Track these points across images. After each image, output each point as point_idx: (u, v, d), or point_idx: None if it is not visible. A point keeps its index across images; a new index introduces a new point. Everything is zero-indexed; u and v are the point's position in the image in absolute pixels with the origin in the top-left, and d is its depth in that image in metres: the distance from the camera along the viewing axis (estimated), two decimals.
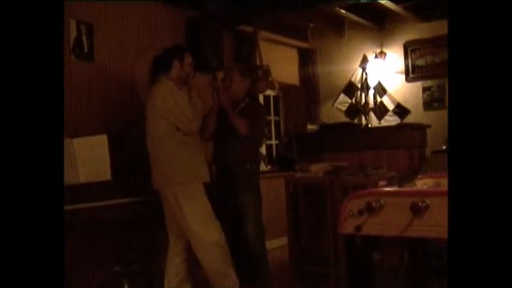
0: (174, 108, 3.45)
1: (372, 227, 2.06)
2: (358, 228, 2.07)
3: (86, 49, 4.23)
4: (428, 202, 1.95)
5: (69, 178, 3.36)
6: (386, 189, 2.33)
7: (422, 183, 2.70)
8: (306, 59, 7.21)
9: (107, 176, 3.65)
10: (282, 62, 6.82)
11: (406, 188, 2.38)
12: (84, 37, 4.21)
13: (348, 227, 2.11)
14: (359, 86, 6.87)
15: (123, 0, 4.50)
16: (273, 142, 7.19)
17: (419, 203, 1.94)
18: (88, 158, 3.60)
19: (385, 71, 6.91)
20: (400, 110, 6.61)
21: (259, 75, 5.68)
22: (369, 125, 6.61)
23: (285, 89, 7.13)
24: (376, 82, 6.85)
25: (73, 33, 4.13)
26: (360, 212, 2.06)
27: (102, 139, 3.70)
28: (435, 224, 1.94)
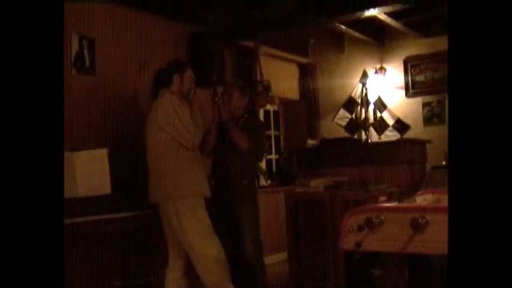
0: (176, 122, 3.45)
1: (372, 243, 2.06)
2: (358, 244, 2.07)
3: (87, 63, 4.25)
4: (429, 218, 1.95)
5: (68, 192, 3.35)
6: (387, 205, 2.33)
7: (423, 199, 2.70)
8: (306, 74, 7.24)
9: (107, 190, 3.64)
10: (282, 77, 6.85)
11: (406, 204, 2.37)
12: (85, 51, 4.24)
13: (348, 242, 2.11)
14: (359, 101, 6.88)
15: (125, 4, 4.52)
16: (273, 157, 7.19)
17: (420, 219, 1.94)
18: (88, 171, 3.59)
19: (385, 87, 6.94)
20: (400, 126, 6.62)
21: (259, 90, 5.70)
22: (369, 140, 6.61)
23: (285, 103, 7.15)
24: (376, 97, 6.87)
25: (75, 47, 4.16)
26: (360, 228, 2.06)
27: (102, 153, 3.71)
28: (435, 240, 1.93)
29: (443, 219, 1.93)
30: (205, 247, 3.45)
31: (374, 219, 2.02)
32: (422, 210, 2.02)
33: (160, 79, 3.63)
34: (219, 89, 4.02)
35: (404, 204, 2.35)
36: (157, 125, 3.47)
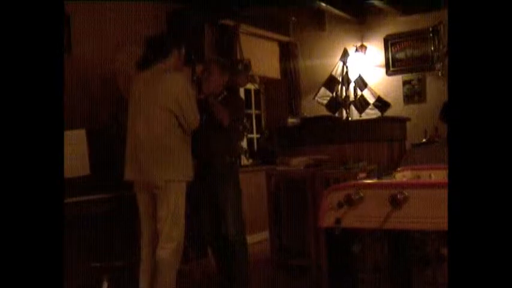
0: (186, 105, 3.32)
1: (352, 220, 2.06)
2: (338, 220, 2.07)
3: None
4: (407, 194, 1.96)
5: None
6: (366, 181, 2.34)
7: (402, 176, 2.72)
8: (287, 52, 7.20)
9: (86, 171, 3.60)
10: (263, 56, 6.81)
11: (385, 180, 2.38)
12: None
13: (328, 219, 2.11)
14: (340, 79, 6.88)
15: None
16: (254, 136, 7.18)
17: (398, 195, 1.94)
18: (67, 152, 3.54)
19: (365, 65, 6.94)
20: (381, 104, 6.63)
21: (239, 68, 5.66)
22: (350, 119, 6.63)
23: (266, 82, 7.12)
24: (357, 75, 6.87)
25: None
26: (340, 205, 2.06)
27: (81, 134, 3.66)
28: (414, 215, 1.94)
29: (422, 194, 1.95)
30: (179, 232, 3.42)
31: (353, 196, 2.02)
32: (401, 186, 2.02)
33: (156, 49, 3.45)
34: (198, 67, 3.97)
35: (383, 181, 2.36)
36: (161, 101, 3.31)
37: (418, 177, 2.80)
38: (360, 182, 2.36)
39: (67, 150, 3.54)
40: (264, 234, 5.38)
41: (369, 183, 2.21)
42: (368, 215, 2.03)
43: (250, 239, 4.63)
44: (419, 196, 1.94)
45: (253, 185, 5.67)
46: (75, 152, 3.62)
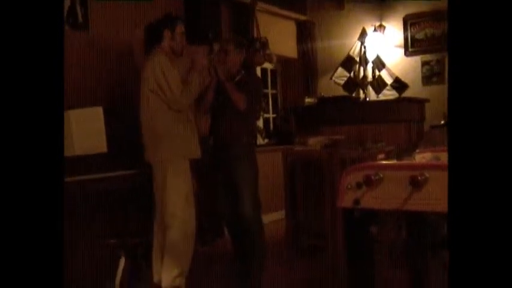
0: (162, 83, 3.40)
1: (370, 201, 2.04)
2: (357, 201, 2.05)
3: (80, 19, 4.14)
4: (428, 175, 1.93)
5: (64, 150, 3.32)
6: (385, 162, 2.31)
7: (421, 157, 2.68)
8: (304, 31, 7.13)
9: (103, 148, 3.61)
10: (280, 35, 6.74)
11: (405, 162, 2.35)
12: (78, 7, 4.13)
13: (346, 200, 2.09)
14: (357, 59, 6.80)
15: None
16: (270, 115, 7.15)
17: (419, 177, 1.91)
18: (83, 130, 3.56)
19: (384, 45, 6.85)
20: (399, 85, 6.56)
21: (256, 47, 5.60)
22: (367, 99, 6.57)
23: (283, 62, 7.06)
24: (375, 56, 6.79)
25: (67, 2, 4.05)
26: (359, 185, 2.04)
27: (98, 111, 3.66)
28: (434, 197, 1.92)
29: (443, 176, 1.91)
30: (182, 210, 3.45)
31: (373, 177, 2.00)
32: (422, 167, 1.99)
33: (150, 35, 3.56)
34: (215, 46, 3.94)
35: (403, 162, 2.33)
36: (147, 85, 3.44)
37: (438, 158, 2.76)
38: (379, 162, 2.33)
39: (84, 127, 3.55)
40: (280, 214, 5.39)
41: (389, 164, 2.18)
42: (387, 196, 2.01)
43: (266, 218, 4.64)
44: (440, 178, 1.91)
45: (269, 164, 5.65)
46: (92, 129, 3.62)
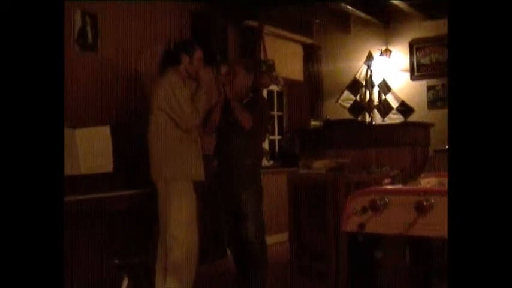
0: (173, 103, 3.43)
1: (376, 225, 2.04)
2: (362, 226, 2.05)
3: (90, 40, 4.20)
4: (433, 201, 1.93)
5: (70, 169, 3.34)
6: (391, 187, 2.31)
7: (426, 182, 2.68)
8: (310, 54, 7.18)
9: (109, 168, 3.62)
10: (286, 57, 6.79)
11: (410, 187, 2.35)
12: (88, 28, 4.19)
13: (351, 224, 2.09)
14: (363, 83, 6.82)
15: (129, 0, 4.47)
16: (276, 137, 7.17)
17: (424, 202, 1.92)
18: (90, 149, 3.58)
19: (390, 69, 6.88)
20: (404, 108, 6.57)
21: (263, 69, 5.65)
22: (373, 123, 6.58)
23: (289, 84, 7.10)
24: (381, 80, 6.82)
25: (77, 23, 4.11)
26: (364, 210, 2.04)
27: (105, 130, 3.68)
28: (439, 223, 1.91)
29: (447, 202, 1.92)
30: (184, 233, 3.45)
31: (378, 202, 2.00)
32: (427, 193, 2.00)
33: (168, 58, 3.60)
34: (223, 68, 3.97)
35: (409, 187, 2.33)
36: (157, 104, 3.47)
37: (443, 183, 2.76)
38: (385, 187, 2.33)
39: (90, 146, 3.58)
40: (283, 236, 5.36)
41: (394, 189, 2.18)
42: (392, 221, 2.01)
43: (269, 240, 4.62)
44: (445, 204, 1.90)
45: (273, 186, 5.65)
46: (99, 148, 3.64)
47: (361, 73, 6.88)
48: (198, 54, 3.62)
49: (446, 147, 5.54)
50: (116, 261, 3.44)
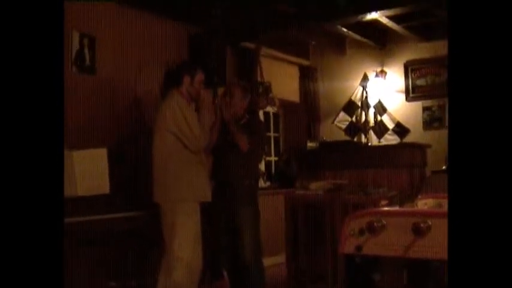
0: (182, 124, 3.44)
1: (373, 247, 2.04)
2: (359, 248, 2.05)
3: (88, 62, 4.23)
4: (430, 223, 1.93)
5: (67, 191, 3.32)
6: (388, 209, 2.32)
7: (424, 204, 2.69)
8: (306, 76, 7.22)
9: (106, 189, 3.62)
10: (283, 79, 6.83)
11: (408, 208, 2.36)
12: (86, 50, 4.22)
13: (348, 246, 2.09)
14: (359, 104, 6.86)
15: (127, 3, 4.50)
16: (272, 159, 7.18)
17: (422, 224, 1.92)
18: (87, 171, 3.57)
19: (385, 90, 6.92)
20: (400, 129, 6.60)
21: (260, 91, 5.68)
22: (369, 144, 6.60)
23: (285, 105, 7.13)
24: (377, 101, 6.86)
25: (75, 45, 4.14)
26: (361, 232, 2.04)
27: (102, 152, 3.69)
28: (437, 244, 1.92)
29: (445, 224, 1.91)
30: (188, 253, 3.44)
31: (376, 223, 2.01)
32: (424, 214, 2.01)
33: (170, 79, 3.62)
34: (220, 90, 4.00)
35: (406, 209, 2.34)
36: (164, 125, 3.46)
37: (440, 205, 2.77)
38: (382, 209, 2.34)
39: (87, 168, 3.57)
40: (281, 258, 5.33)
41: (391, 211, 2.19)
42: (390, 243, 2.01)
43: (267, 261, 4.59)
44: (443, 225, 1.91)
45: (270, 207, 5.63)
46: (95, 170, 3.64)
47: (357, 94, 6.92)
48: (200, 76, 3.64)
49: (443, 167, 5.56)
50: (113, 284, 3.42)
